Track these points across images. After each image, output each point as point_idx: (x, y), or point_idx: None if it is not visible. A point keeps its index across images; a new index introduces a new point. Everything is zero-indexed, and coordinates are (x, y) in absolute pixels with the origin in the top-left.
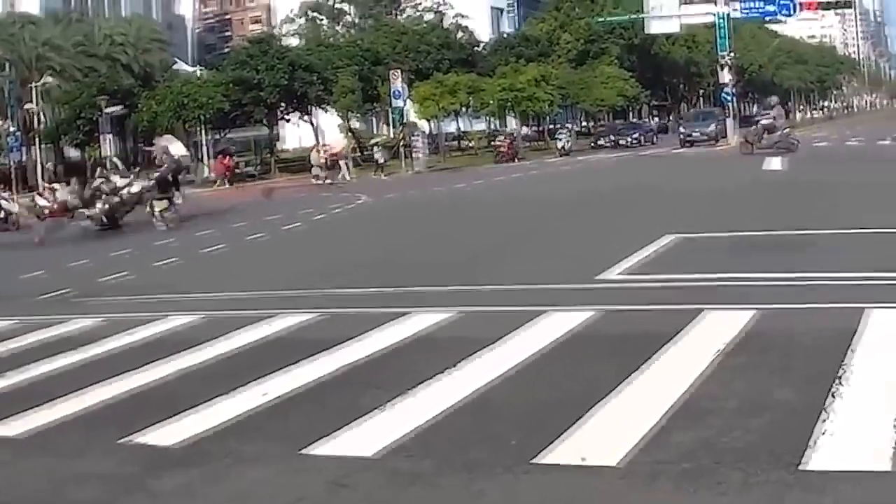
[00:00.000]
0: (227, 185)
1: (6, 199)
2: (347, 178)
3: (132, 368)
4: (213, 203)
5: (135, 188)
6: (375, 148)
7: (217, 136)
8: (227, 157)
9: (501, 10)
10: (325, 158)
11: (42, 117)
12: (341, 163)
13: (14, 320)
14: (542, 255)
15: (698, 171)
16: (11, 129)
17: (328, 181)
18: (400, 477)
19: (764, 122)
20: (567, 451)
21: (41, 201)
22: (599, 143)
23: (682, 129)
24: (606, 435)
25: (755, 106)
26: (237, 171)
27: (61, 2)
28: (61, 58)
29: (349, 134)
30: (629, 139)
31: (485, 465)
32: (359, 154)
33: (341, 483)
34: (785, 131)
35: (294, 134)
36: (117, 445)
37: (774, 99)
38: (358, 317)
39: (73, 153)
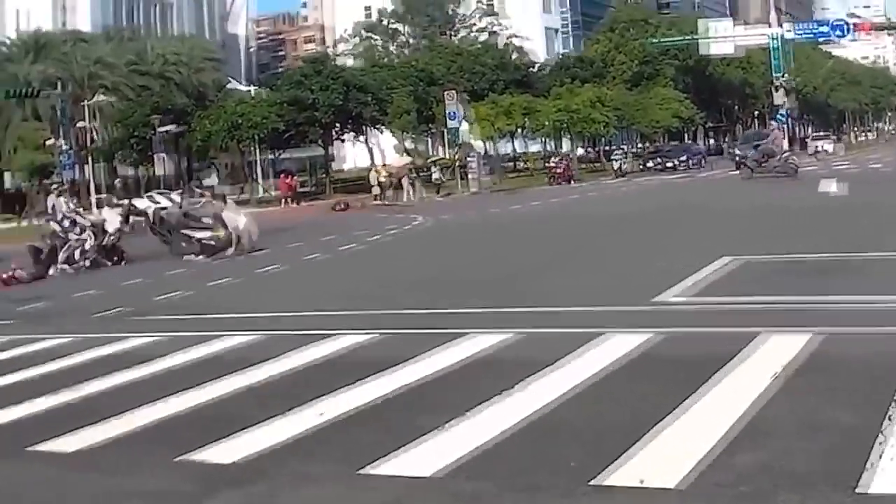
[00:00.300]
0: (293, 204)
1: (80, 215)
2: (413, 198)
3: (189, 387)
4: (269, 222)
5: (109, 227)
6: (433, 168)
7: (272, 156)
8: (290, 177)
9: (556, 31)
10: (385, 178)
11: (95, 135)
12: (404, 182)
13: (69, 337)
14: (600, 276)
15: (753, 193)
16: (64, 146)
17: (387, 202)
18: (458, 498)
19: (763, 147)
20: (626, 473)
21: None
22: (648, 165)
23: (736, 152)
24: (665, 457)
25: (810, 128)
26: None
27: (113, 20)
28: (114, 76)
29: (405, 154)
30: (677, 162)
31: (544, 486)
32: (415, 175)
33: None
34: (784, 155)
35: (348, 154)
36: (174, 463)
37: (773, 124)
38: (415, 337)
39: (128, 171)
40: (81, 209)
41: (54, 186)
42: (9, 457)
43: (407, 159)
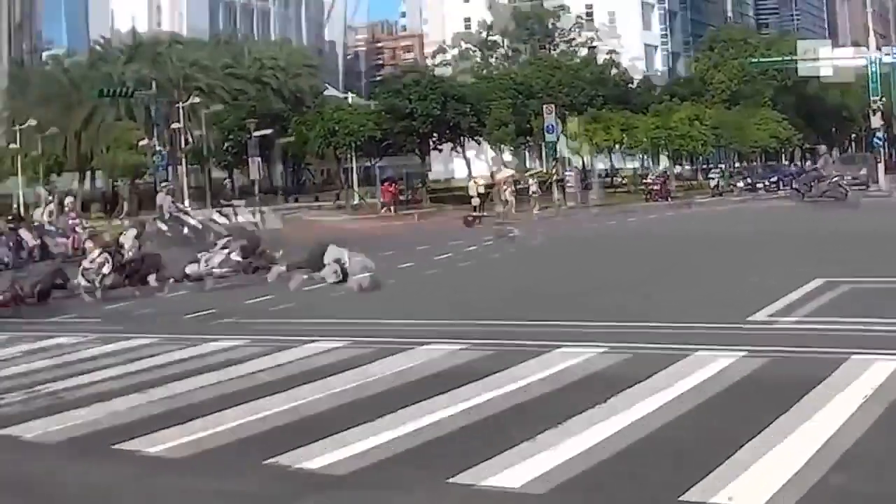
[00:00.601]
0: (392, 212)
1: (188, 215)
2: (514, 210)
3: (279, 391)
4: (366, 231)
5: (125, 243)
6: (531, 181)
7: (368, 164)
8: (394, 185)
9: (654, 48)
10: (485, 190)
11: (190, 138)
12: (507, 194)
13: (159, 337)
14: (693, 294)
15: (849, 215)
16: (158, 147)
17: (485, 213)
18: None
19: (810, 172)
20: (714, 490)
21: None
22: (738, 185)
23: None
24: (754, 476)
25: None
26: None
27: (210, 23)
28: (209, 79)
29: (503, 166)
30: (767, 182)
31: (631, 500)
32: (515, 187)
33: None
34: (833, 180)
35: (442, 164)
36: (262, 466)
37: (822, 149)
38: (508, 349)
39: (222, 175)
40: (190, 209)
41: (163, 185)
42: (94, 454)
43: (509, 171)
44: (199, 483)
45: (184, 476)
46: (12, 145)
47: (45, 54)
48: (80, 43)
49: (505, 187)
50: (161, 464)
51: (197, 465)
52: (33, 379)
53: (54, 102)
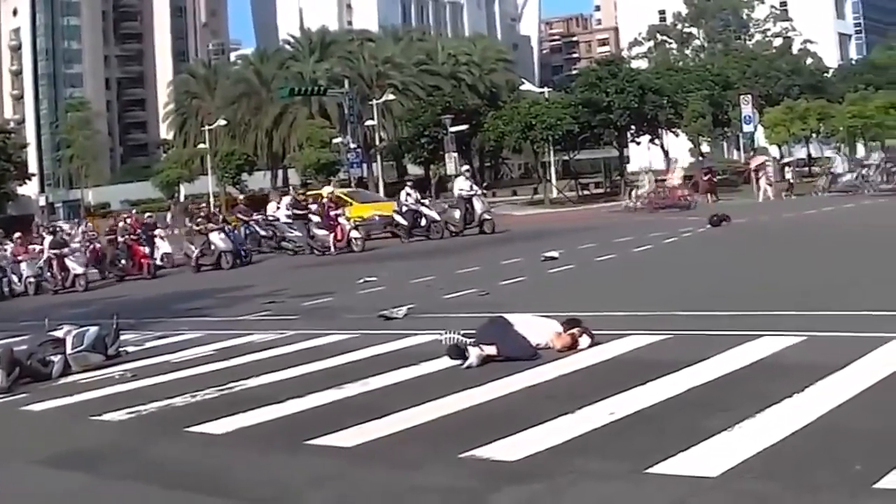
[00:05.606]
0: (714, 200)
1: (427, 207)
2: (771, 196)
3: (474, 385)
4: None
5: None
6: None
7: (566, 157)
8: (709, 174)
9: (849, 37)
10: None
11: (384, 134)
12: (762, 182)
13: (354, 334)
14: (891, 282)
15: None
16: (352, 144)
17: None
18: (743, 498)
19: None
20: None
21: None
22: None
23: None
24: None
25: None
26: (586, 192)
27: (401, 19)
28: (403, 75)
29: (701, 157)
30: None
31: (828, 488)
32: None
33: (684, 503)
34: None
35: (637, 156)
36: (458, 459)
37: None
38: (704, 339)
39: (417, 171)
40: (427, 202)
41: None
42: (287, 450)
43: (761, 158)
44: (394, 477)
45: (379, 470)
46: (202, 145)
47: (233, 54)
48: (270, 42)
49: (759, 175)
50: (356, 459)
51: (392, 460)
52: (227, 376)
53: (244, 102)
